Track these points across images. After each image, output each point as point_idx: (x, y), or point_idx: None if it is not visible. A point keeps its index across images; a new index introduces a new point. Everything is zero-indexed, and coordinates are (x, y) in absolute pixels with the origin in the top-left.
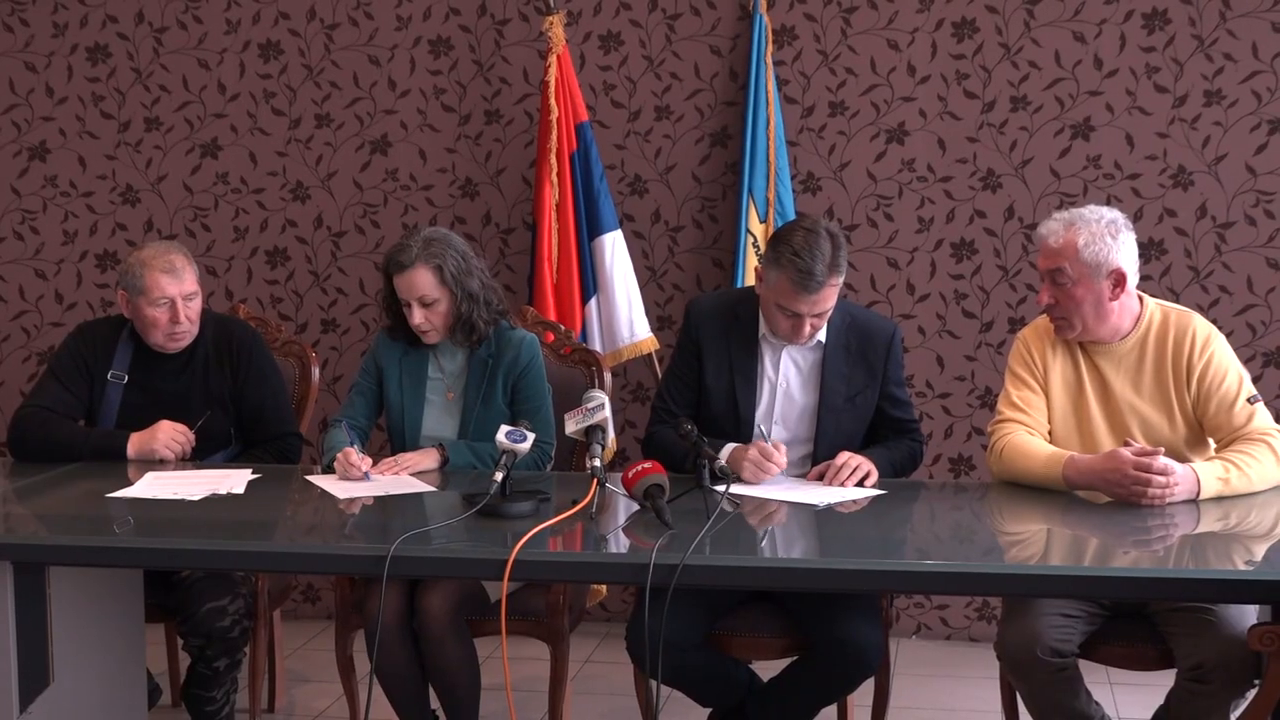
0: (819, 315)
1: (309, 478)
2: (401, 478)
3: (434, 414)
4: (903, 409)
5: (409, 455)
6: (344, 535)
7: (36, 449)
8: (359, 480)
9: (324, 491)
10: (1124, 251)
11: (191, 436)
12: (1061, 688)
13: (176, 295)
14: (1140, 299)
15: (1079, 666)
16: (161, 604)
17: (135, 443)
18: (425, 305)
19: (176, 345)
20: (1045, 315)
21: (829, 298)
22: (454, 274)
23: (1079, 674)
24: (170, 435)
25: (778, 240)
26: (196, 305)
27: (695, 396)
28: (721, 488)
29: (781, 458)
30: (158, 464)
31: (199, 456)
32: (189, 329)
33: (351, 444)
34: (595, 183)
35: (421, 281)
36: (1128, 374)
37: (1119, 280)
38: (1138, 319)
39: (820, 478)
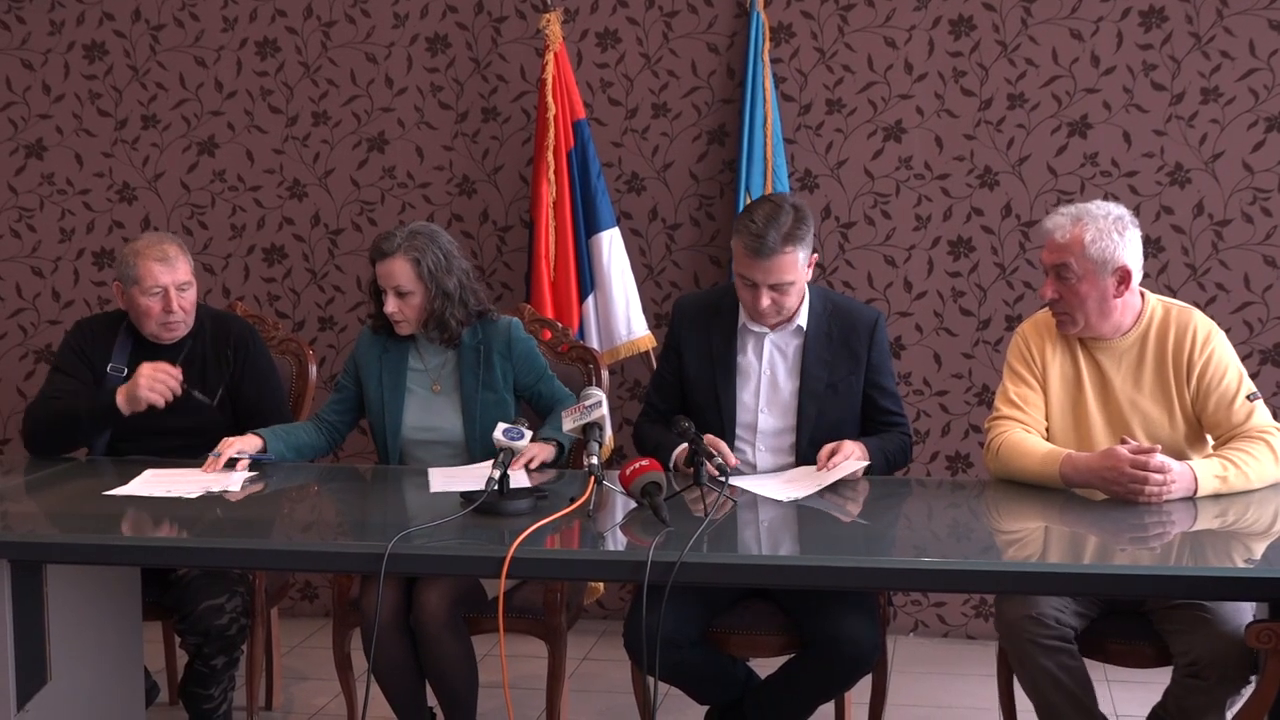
0: (776, 288)
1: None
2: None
3: (416, 405)
4: (891, 400)
5: (230, 441)
6: (341, 533)
7: (45, 434)
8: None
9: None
10: (1130, 249)
11: (177, 373)
12: (1060, 664)
13: (170, 284)
14: (1142, 295)
15: (1083, 661)
16: (159, 602)
17: (123, 392)
18: (399, 295)
19: (171, 335)
20: (1046, 309)
21: (784, 268)
22: (431, 270)
23: (1081, 662)
24: (151, 377)
25: (743, 211)
26: (191, 295)
27: (678, 393)
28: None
29: (730, 459)
30: (155, 461)
31: (196, 454)
32: (183, 319)
33: (266, 446)
34: (592, 180)
35: (398, 271)
36: (1128, 370)
37: (1124, 278)
38: (1139, 315)
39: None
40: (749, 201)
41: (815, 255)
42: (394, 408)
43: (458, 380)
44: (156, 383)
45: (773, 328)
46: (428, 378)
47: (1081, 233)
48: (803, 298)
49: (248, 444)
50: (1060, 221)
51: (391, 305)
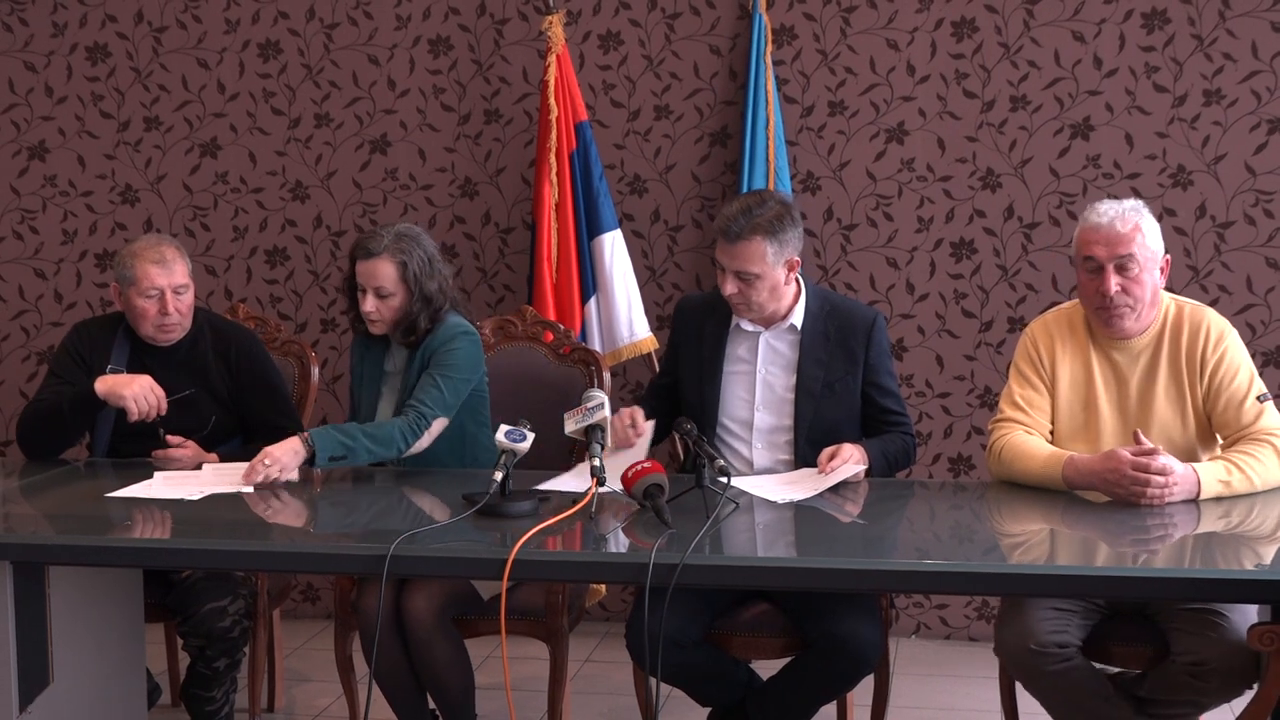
0: (742, 277)
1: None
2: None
3: (387, 407)
4: (892, 400)
5: (273, 451)
6: (343, 535)
7: (33, 434)
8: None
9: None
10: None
11: (164, 406)
12: (1075, 681)
13: (166, 286)
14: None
15: (1090, 665)
16: (161, 603)
17: (107, 380)
18: (380, 296)
19: (166, 337)
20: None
21: (749, 256)
22: (416, 274)
23: (1092, 670)
24: (145, 389)
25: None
26: (188, 299)
27: (670, 386)
28: (724, 480)
29: (645, 427)
30: (142, 442)
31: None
32: (179, 321)
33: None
34: (595, 182)
35: (382, 272)
36: (1144, 370)
37: (1164, 268)
38: (1154, 312)
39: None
40: None
41: (796, 259)
42: (368, 408)
43: (404, 380)
44: (142, 398)
45: (766, 326)
46: (398, 379)
47: (1139, 222)
48: (780, 296)
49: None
50: (1112, 214)
51: (370, 304)
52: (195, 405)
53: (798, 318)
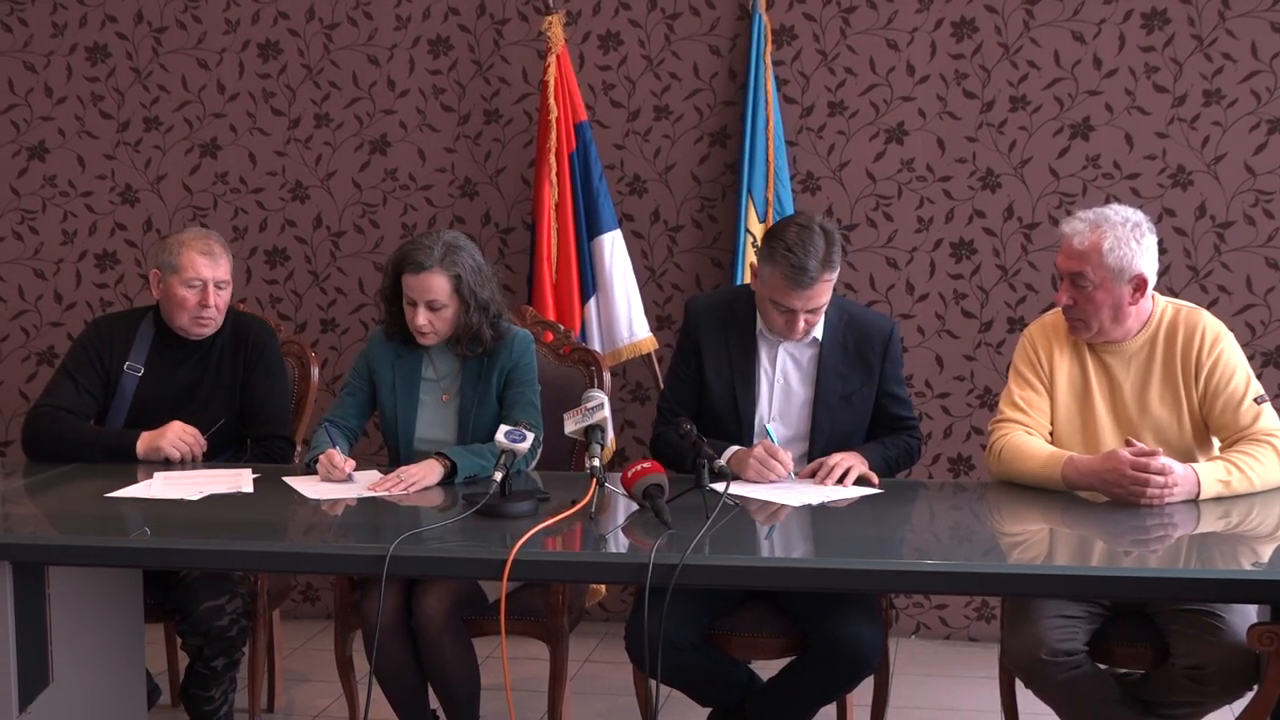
0: (812, 311)
1: (286, 479)
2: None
3: (428, 416)
4: (902, 406)
5: (412, 470)
6: (343, 535)
7: (49, 449)
8: (342, 482)
9: (301, 494)
10: (1146, 256)
11: (203, 441)
12: (1085, 688)
13: (210, 279)
14: (1152, 297)
15: (1098, 669)
16: (161, 604)
17: (145, 440)
18: (433, 309)
19: (200, 331)
20: (1052, 312)
21: (822, 293)
22: (470, 286)
23: (1100, 674)
24: (179, 434)
25: (772, 236)
26: (226, 296)
27: (698, 394)
28: (720, 486)
29: (787, 459)
30: (165, 463)
31: (206, 457)
32: (215, 317)
33: (334, 446)
34: (594, 182)
35: (435, 286)
36: (1138, 373)
37: (1139, 285)
38: (1148, 317)
39: (812, 475)
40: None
41: None
42: (407, 417)
43: (458, 390)
44: (181, 442)
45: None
46: (439, 387)
47: (1100, 240)
48: None
49: (431, 475)
50: (1078, 227)
51: (422, 318)
52: (208, 407)
53: (819, 330)
